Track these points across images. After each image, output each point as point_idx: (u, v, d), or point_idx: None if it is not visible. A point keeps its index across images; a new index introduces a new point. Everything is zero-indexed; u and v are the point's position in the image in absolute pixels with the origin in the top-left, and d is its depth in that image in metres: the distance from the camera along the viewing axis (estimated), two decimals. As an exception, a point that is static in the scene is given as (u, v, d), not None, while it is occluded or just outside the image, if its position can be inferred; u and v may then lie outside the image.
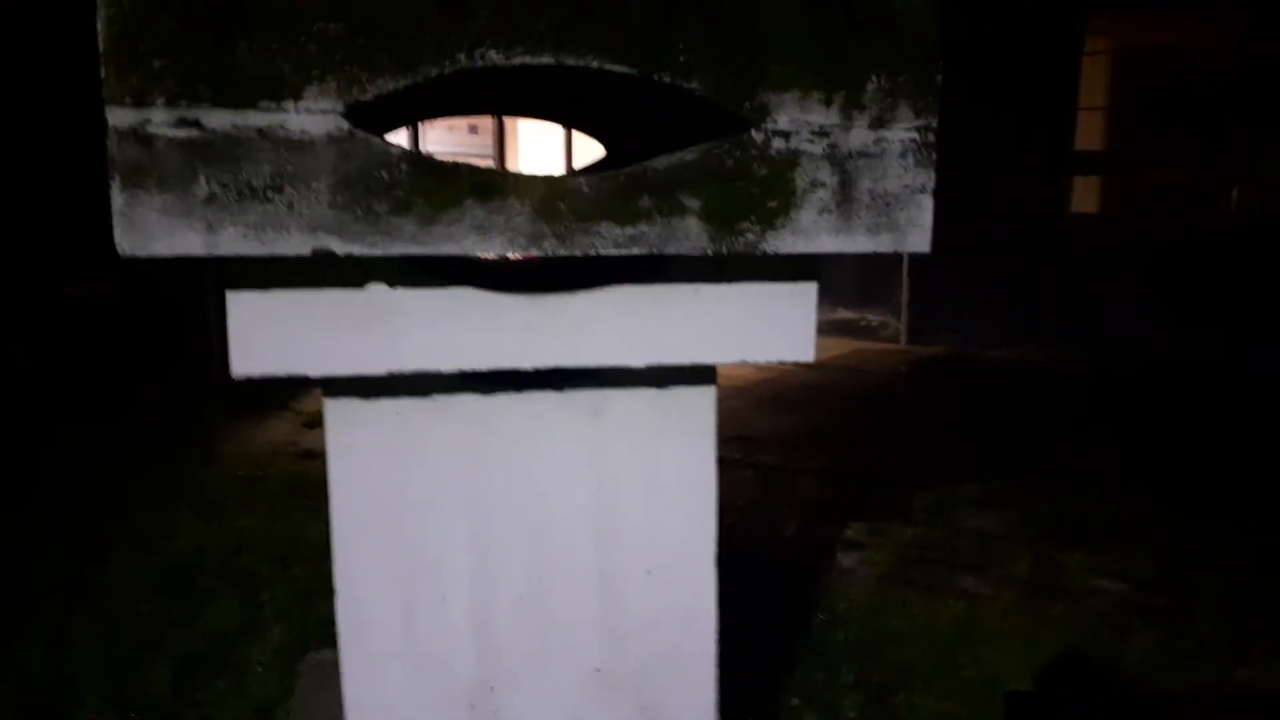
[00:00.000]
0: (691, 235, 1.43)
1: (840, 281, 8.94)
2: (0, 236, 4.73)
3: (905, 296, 8.52)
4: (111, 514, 3.50)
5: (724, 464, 4.21)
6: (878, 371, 7.18)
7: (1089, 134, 8.16)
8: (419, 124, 9.32)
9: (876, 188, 1.51)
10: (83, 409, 4.67)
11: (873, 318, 9.10)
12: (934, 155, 1.53)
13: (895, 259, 8.20)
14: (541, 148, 12.77)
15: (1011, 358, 7.43)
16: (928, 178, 1.53)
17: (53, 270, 4.81)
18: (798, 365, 6.81)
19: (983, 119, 7.97)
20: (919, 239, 1.54)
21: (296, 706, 2.11)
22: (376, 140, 1.32)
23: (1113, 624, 2.97)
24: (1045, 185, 8.03)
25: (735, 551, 3.48)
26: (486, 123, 13.36)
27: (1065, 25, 7.81)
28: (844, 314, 9.22)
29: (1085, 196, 8.43)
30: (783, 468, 4.58)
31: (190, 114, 1.26)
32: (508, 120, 12.23)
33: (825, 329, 9.22)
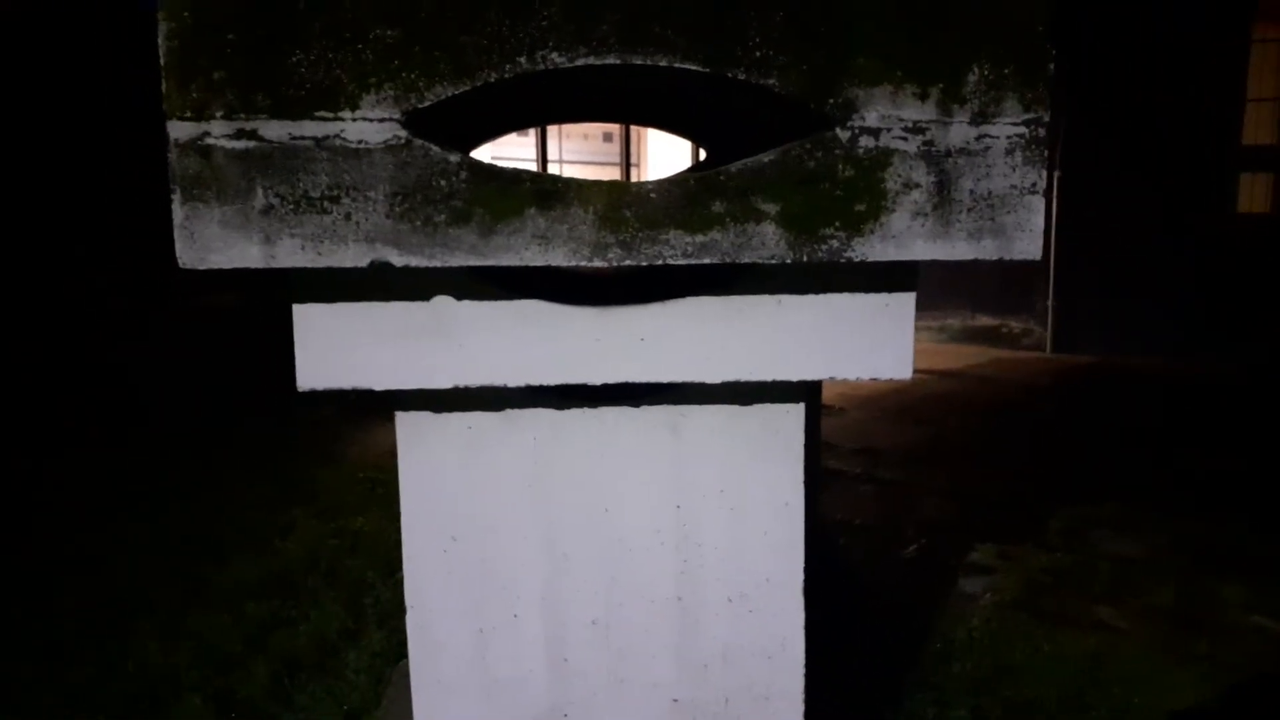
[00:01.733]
0: (768, 243, 1.33)
1: (980, 287, 8.56)
2: (136, 252, 5.01)
3: (1051, 302, 8.05)
4: (231, 515, 3.63)
5: (843, 479, 4.03)
6: (1017, 382, 6.79)
7: (1258, 127, 7.51)
8: (544, 130, 9.44)
9: (979, 189, 1.37)
10: (209, 414, 4.89)
11: (1015, 325, 8.66)
12: (1045, 152, 1.37)
13: (1040, 262, 7.78)
14: (672, 154, 12.76)
15: (1165, 369, 6.91)
16: (1038, 177, 1.38)
17: (182, 283, 5.08)
18: (928, 375, 6.53)
19: (1141, 113, 7.47)
20: (1028, 245, 1.39)
21: (383, 714, 2.11)
22: (435, 148, 1.28)
23: (1269, 666, 2.67)
24: (1209, 183, 7.44)
25: (848, 573, 3.33)
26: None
27: (1232, 11, 7.22)
28: (984, 320, 8.81)
29: (1254, 195, 7.77)
30: (906, 484, 4.37)
31: (248, 125, 1.24)
32: (637, 128, 12.27)
33: (963, 336, 8.84)
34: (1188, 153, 7.38)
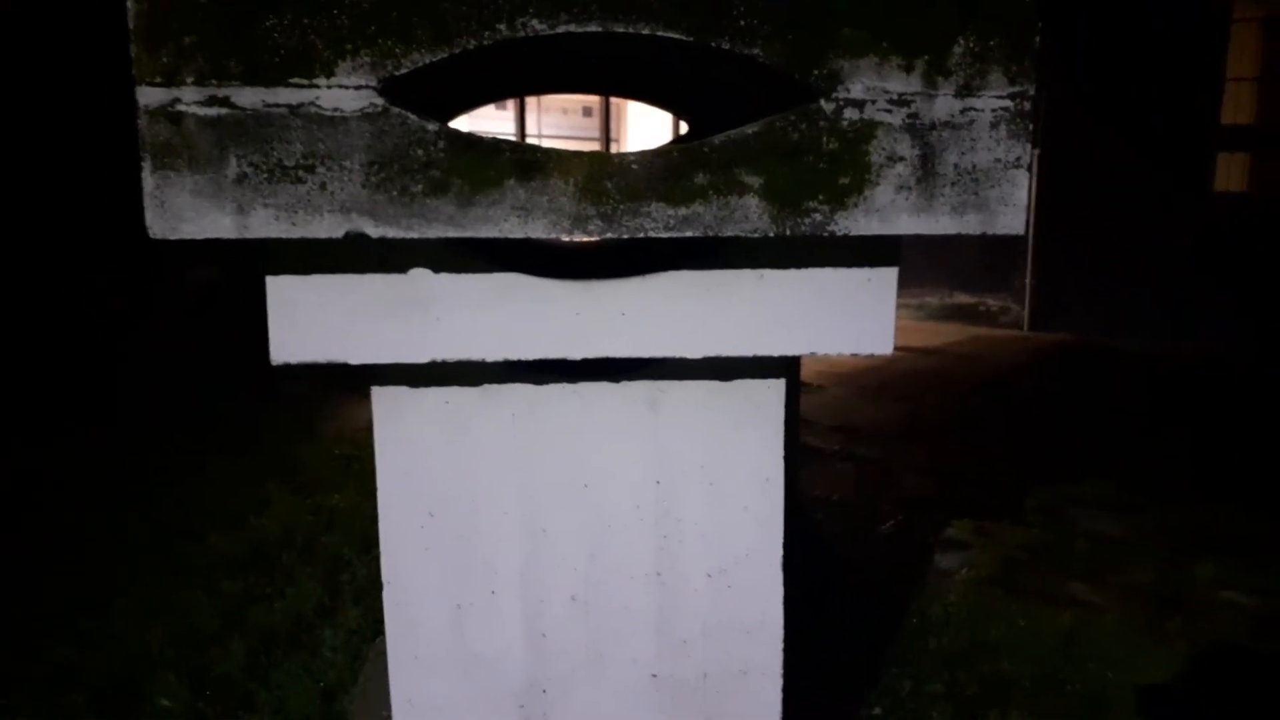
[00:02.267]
0: (751, 215, 1.32)
1: (958, 263, 8.57)
2: (120, 227, 4.94)
3: (1029, 280, 8.08)
4: (208, 490, 3.60)
5: (821, 455, 4.04)
6: (995, 360, 6.82)
7: (1237, 107, 7.55)
8: (523, 104, 9.35)
9: (963, 162, 1.36)
10: (191, 396, 4.84)
11: (993, 303, 8.69)
12: (1030, 126, 1.37)
13: (1019, 239, 7.81)
14: (652, 129, 12.67)
15: (1143, 348, 6.95)
16: (1022, 151, 1.37)
17: (168, 257, 5.01)
18: (906, 352, 6.54)
19: (1119, 90, 7.48)
20: (1011, 219, 1.39)
21: (360, 692, 2.10)
22: (412, 117, 1.25)
23: (1241, 643, 2.71)
24: (1187, 162, 7.46)
25: (825, 549, 3.34)
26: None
27: (1212, -11, 7.23)
28: (962, 298, 8.84)
29: (1231, 174, 7.81)
30: (884, 461, 4.39)
31: (220, 92, 1.21)
32: (618, 101, 12.18)
33: (941, 314, 8.86)
34: (1168, 132, 7.40)
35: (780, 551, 1.64)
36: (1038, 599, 2.96)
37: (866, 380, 5.91)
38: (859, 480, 4.12)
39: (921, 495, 3.96)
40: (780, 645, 1.66)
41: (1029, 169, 1.38)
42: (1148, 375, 6.32)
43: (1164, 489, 3.94)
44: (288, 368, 1.40)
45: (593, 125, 14.47)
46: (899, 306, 1.53)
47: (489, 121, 11.53)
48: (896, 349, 1.54)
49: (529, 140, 10.91)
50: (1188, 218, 7.42)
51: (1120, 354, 6.91)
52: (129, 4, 1.18)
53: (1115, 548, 3.40)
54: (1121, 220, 7.54)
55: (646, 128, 13.01)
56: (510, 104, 9.63)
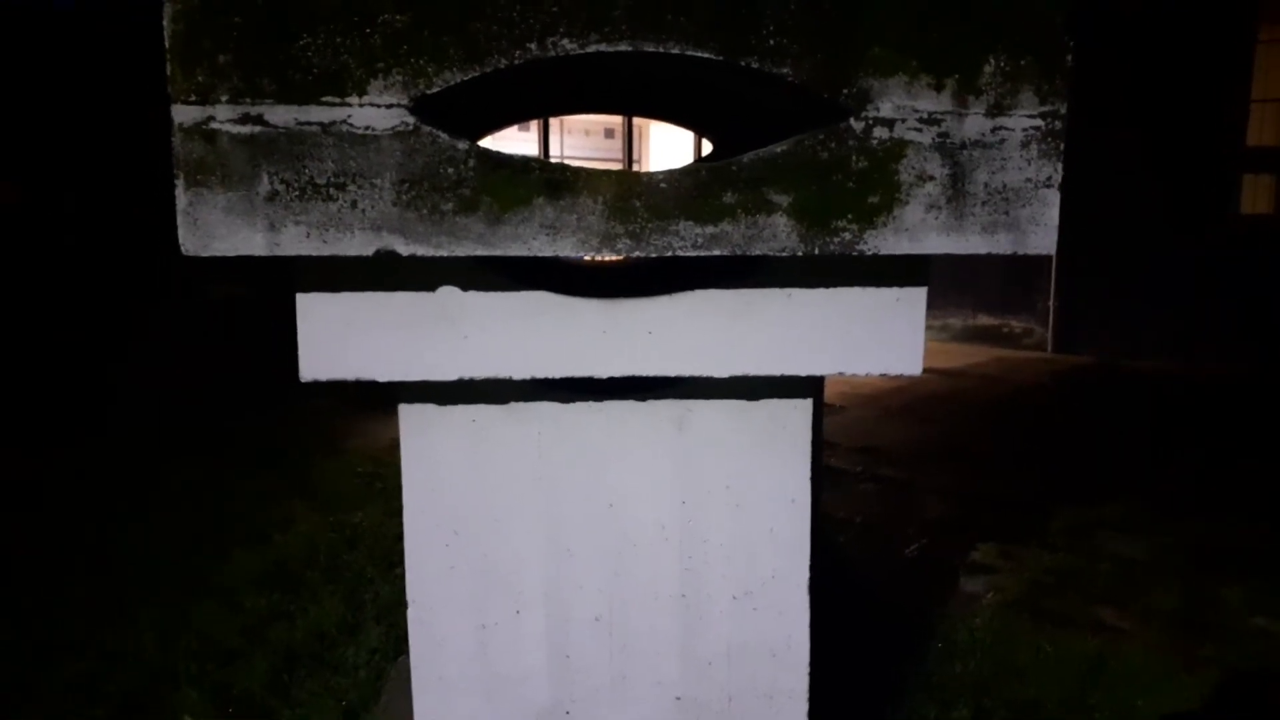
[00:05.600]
0: (779, 234, 1.31)
1: (982, 285, 8.53)
2: (154, 243, 5.00)
3: (1052, 302, 8.04)
4: (232, 508, 3.61)
5: (845, 477, 4.01)
6: (1018, 381, 6.78)
7: (1263, 129, 7.49)
8: (546, 125, 9.41)
9: (994, 181, 1.35)
10: (214, 403, 4.87)
11: (1016, 324, 8.64)
12: (1061, 146, 1.36)
13: (1042, 261, 7.76)
14: (673, 151, 12.73)
15: (1168, 369, 6.89)
16: (1054, 170, 1.36)
17: (196, 274, 5.07)
18: (929, 374, 6.50)
19: (1145, 112, 7.45)
20: (1042, 239, 1.37)
21: (382, 711, 2.09)
22: (443, 136, 1.25)
23: (1275, 670, 2.65)
24: (1213, 183, 7.41)
25: (849, 572, 3.31)
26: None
27: (1237, 11, 7.19)
28: (985, 320, 8.79)
29: (1258, 196, 7.75)
30: (909, 483, 4.35)
31: (254, 110, 1.22)
32: (640, 122, 12.24)
33: (964, 335, 8.81)
34: (1191, 154, 7.36)
35: (807, 574, 1.62)
36: (1064, 624, 2.92)
37: (889, 401, 5.88)
38: (882, 502, 4.09)
39: (945, 517, 3.92)
40: (806, 669, 1.64)
41: (1060, 188, 1.38)
42: (1172, 396, 6.26)
43: (1189, 510, 3.90)
44: (316, 384, 1.41)
45: (614, 146, 14.56)
46: (924, 327, 1.52)
47: (512, 143, 11.63)
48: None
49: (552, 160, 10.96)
50: (1212, 239, 7.37)
51: (1144, 375, 6.84)
52: (165, 24, 1.20)
53: (1141, 571, 3.36)
54: (1145, 242, 7.50)
55: (668, 149, 13.08)
56: (533, 125, 9.70)
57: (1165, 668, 2.65)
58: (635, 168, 12.24)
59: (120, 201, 5.05)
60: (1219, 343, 7.05)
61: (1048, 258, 7.68)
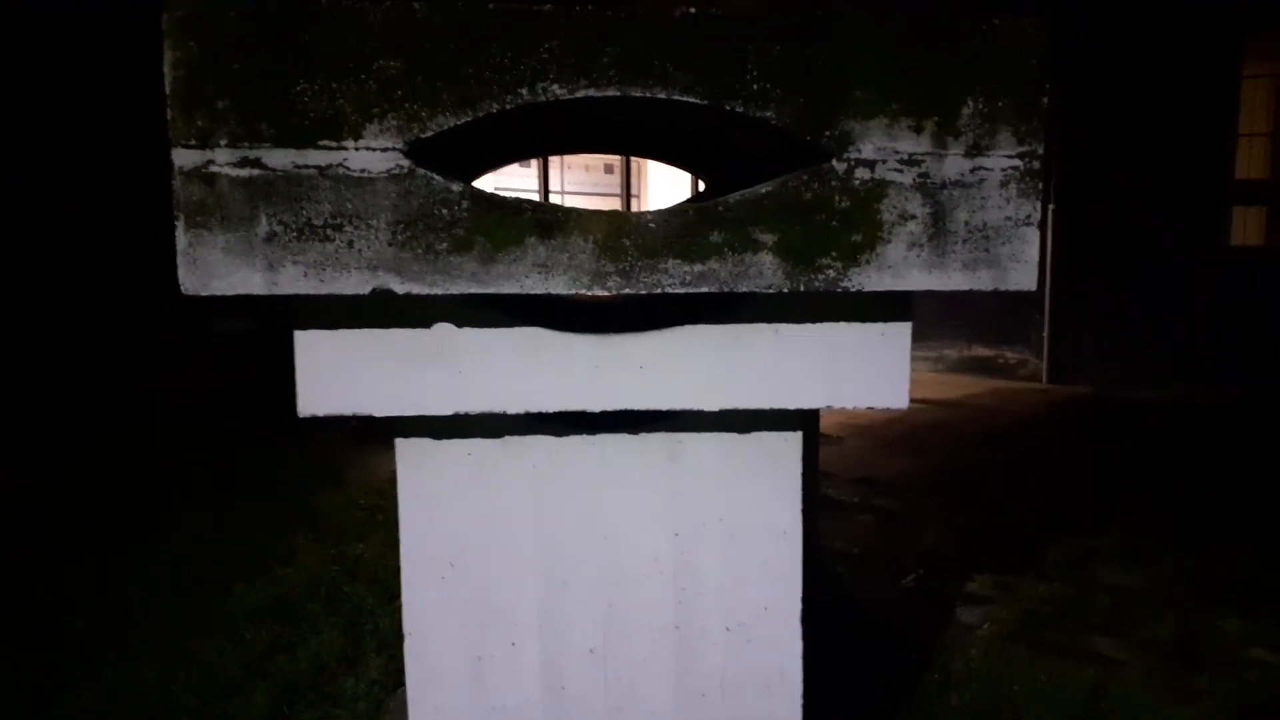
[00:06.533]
0: (765, 272, 1.35)
1: (976, 317, 8.56)
2: (162, 282, 5.05)
3: (1047, 333, 8.08)
4: (234, 540, 3.63)
5: (841, 508, 4.01)
6: (1014, 412, 6.80)
7: (1250, 162, 7.58)
8: (546, 161, 9.50)
9: (974, 220, 1.39)
10: (217, 436, 4.90)
11: (1011, 355, 8.66)
12: (1039, 185, 1.40)
13: (1035, 292, 7.82)
14: (672, 186, 12.83)
15: (1162, 400, 6.92)
16: (1032, 209, 1.40)
17: (202, 310, 5.11)
18: (925, 405, 6.53)
19: (1134, 147, 7.54)
20: (1022, 276, 1.41)
21: (379, 746, 2.10)
22: (437, 178, 1.29)
23: (1271, 701, 2.66)
24: (1203, 216, 7.49)
25: (844, 602, 3.31)
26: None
27: (1223, 47, 7.30)
28: (980, 351, 8.82)
29: (1247, 228, 7.82)
30: (904, 513, 4.36)
31: (252, 154, 1.26)
32: (638, 159, 12.36)
33: (960, 367, 8.85)
34: (1182, 187, 7.44)
35: (799, 605, 1.64)
36: (1061, 654, 2.92)
37: (886, 432, 5.90)
38: (879, 533, 4.10)
39: (942, 548, 3.93)
40: (800, 700, 1.66)
41: (1041, 226, 1.41)
42: (1165, 427, 6.28)
43: (1185, 541, 3.90)
44: (315, 419, 1.43)
45: (614, 181, 14.68)
46: (918, 359, 1.56)
47: (513, 179, 11.74)
48: (915, 401, 1.56)
49: (552, 196, 11.08)
50: (1204, 270, 7.43)
51: (1138, 406, 6.87)
52: (166, 69, 1.24)
53: (1138, 601, 3.36)
54: (1138, 273, 7.56)
55: (667, 184, 13.18)
56: (534, 162, 9.80)
57: (1162, 699, 2.65)
58: (634, 203, 12.33)
59: (121, 207, 5.09)
60: (1214, 373, 7.08)
61: (1042, 289, 7.75)
